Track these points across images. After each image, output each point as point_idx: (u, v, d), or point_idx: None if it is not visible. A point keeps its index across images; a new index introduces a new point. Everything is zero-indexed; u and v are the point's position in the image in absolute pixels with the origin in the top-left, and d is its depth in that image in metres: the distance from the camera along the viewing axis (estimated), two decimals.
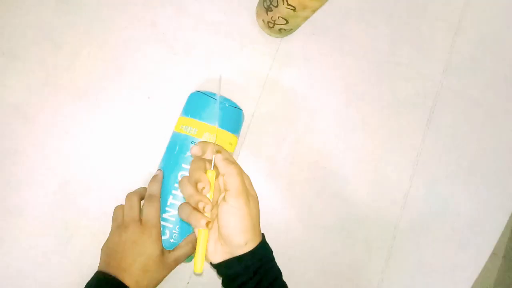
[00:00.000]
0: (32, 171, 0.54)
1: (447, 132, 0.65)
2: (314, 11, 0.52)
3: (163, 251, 0.45)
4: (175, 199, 0.47)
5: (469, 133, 0.65)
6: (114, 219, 0.48)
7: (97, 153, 0.55)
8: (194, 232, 0.45)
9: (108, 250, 0.45)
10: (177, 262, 0.46)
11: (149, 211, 0.45)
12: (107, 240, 0.46)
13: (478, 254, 0.63)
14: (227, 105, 0.52)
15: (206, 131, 0.49)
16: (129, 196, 0.48)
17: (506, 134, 0.66)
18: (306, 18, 0.55)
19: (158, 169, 0.50)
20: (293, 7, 0.50)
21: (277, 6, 0.52)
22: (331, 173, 0.61)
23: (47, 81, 0.56)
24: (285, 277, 0.43)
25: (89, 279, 0.44)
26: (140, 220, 0.45)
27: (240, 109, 0.54)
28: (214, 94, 0.52)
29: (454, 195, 0.64)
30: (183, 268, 0.54)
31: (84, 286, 0.43)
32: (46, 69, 0.56)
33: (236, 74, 0.60)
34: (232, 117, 0.53)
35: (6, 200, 0.53)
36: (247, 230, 0.37)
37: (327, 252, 0.59)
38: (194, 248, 0.46)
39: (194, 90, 0.54)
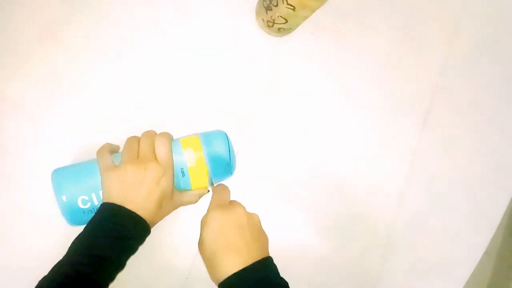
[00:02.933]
0: (34, 169, 0.54)
1: (443, 132, 0.66)
2: (313, 10, 0.52)
3: (173, 191, 0.45)
4: None
5: (465, 134, 0.66)
6: (128, 150, 0.44)
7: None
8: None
9: (121, 183, 0.41)
10: (181, 205, 0.47)
11: (165, 151, 0.43)
12: (117, 171, 0.42)
13: (472, 252, 0.64)
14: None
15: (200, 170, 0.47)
16: (148, 133, 0.46)
17: (501, 134, 0.67)
18: (305, 17, 0.55)
19: None
20: (293, 6, 0.50)
21: (276, 5, 0.52)
22: (328, 173, 0.61)
23: (50, 78, 0.56)
24: (282, 276, 0.43)
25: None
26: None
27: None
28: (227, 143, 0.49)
29: (449, 195, 0.65)
30: (182, 264, 0.54)
31: (90, 220, 0.41)
32: (49, 66, 0.56)
33: (234, 73, 0.61)
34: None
35: (8, 196, 0.53)
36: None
37: (324, 251, 0.60)
38: (198, 200, 0.48)
39: (223, 130, 0.51)
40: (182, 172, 0.45)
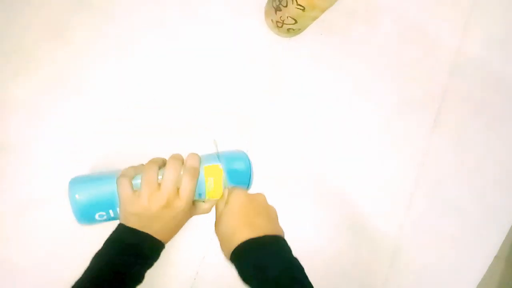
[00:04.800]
0: (40, 168, 0.54)
1: (453, 133, 0.65)
2: (323, 11, 0.52)
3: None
4: None
5: (475, 135, 0.65)
6: (147, 182, 0.42)
7: (106, 150, 0.56)
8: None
9: (139, 216, 0.41)
10: (196, 214, 0.47)
11: (190, 190, 0.42)
12: (136, 204, 0.41)
13: (482, 256, 0.64)
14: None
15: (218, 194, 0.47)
16: (175, 161, 0.43)
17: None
18: (314, 18, 0.55)
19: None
20: (303, 7, 0.50)
21: (286, 6, 0.52)
22: (337, 173, 0.61)
23: (55, 77, 0.56)
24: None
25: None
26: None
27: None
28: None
29: (459, 197, 0.64)
30: (190, 264, 0.54)
31: (108, 239, 0.41)
32: (54, 65, 0.56)
33: (243, 74, 0.61)
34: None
35: (17, 196, 0.53)
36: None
37: (332, 252, 0.59)
38: (210, 210, 0.48)
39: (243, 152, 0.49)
40: (200, 195, 0.46)
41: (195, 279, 0.55)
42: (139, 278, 0.41)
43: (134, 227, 0.41)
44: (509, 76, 0.68)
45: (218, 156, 0.46)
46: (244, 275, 0.39)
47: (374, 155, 0.62)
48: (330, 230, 0.60)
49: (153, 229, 0.41)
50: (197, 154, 0.45)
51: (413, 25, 0.66)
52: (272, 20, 0.59)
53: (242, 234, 0.40)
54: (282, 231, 0.44)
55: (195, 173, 0.43)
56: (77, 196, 0.43)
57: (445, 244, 0.63)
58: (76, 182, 0.44)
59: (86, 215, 0.43)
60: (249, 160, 0.48)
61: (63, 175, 0.54)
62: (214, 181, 0.45)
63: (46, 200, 0.53)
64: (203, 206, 0.46)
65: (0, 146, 0.54)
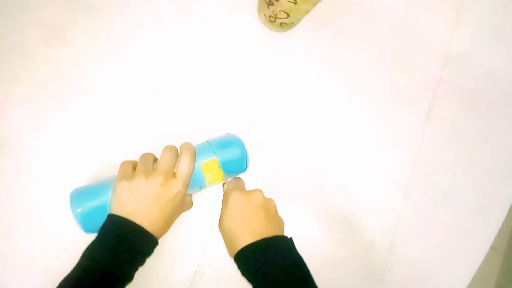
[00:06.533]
0: (43, 165, 0.54)
1: (447, 124, 0.66)
2: (315, 4, 0.53)
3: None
4: None
5: (469, 125, 0.66)
6: (143, 162, 0.43)
7: (107, 147, 0.56)
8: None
9: (133, 194, 0.40)
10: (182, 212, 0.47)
11: (186, 166, 0.42)
12: (131, 180, 0.41)
13: (479, 246, 0.64)
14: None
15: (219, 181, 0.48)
16: (171, 147, 0.44)
17: (505, 125, 0.67)
18: (307, 11, 0.56)
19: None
20: (294, 0, 0.51)
21: (278, 0, 0.53)
22: (333, 165, 0.61)
23: (55, 77, 0.56)
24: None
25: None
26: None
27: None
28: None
29: (454, 187, 0.64)
30: (192, 256, 0.55)
31: (98, 233, 0.40)
32: (54, 65, 0.57)
33: (238, 70, 0.61)
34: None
35: (21, 192, 0.54)
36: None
37: (330, 244, 0.60)
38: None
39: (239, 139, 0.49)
40: (200, 187, 0.47)
41: (196, 272, 0.55)
42: (129, 277, 0.40)
43: (124, 215, 0.39)
44: (500, 67, 0.68)
45: (211, 146, 0.47)
46: (247, 277, 0.41)
47: (368, 147, 0.63)
48: (327, 223, 0.60)
49: (145, 217, 0.40)
50: (190, 143, 0.46)
51: (405, 17, 0.67)
52: (265, 15, 0.59)
53: (243, 239, 0.41)
54: (282, 224, 0.46)
55: (192, 155, 0.44)
56: (79, 210, 0.42)
57: (442, 234, 0.63)
58: (77, 195, 0.44)
59: (91, 226, 0.42)
60: (243, 146, 0.48)
61: (63, 175, 0.55)
62: (213, 174, 0.46)
63: (45, 198, 0.53)
64: (186, 201, 0.47)
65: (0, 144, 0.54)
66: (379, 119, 0.64)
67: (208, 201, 0.54)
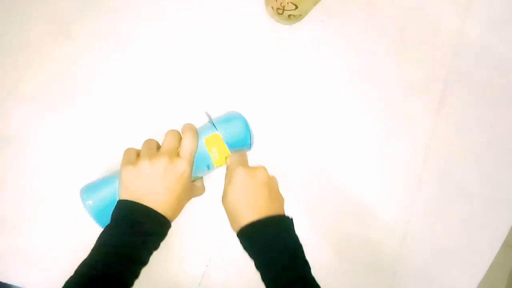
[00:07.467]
0: (49, 161, 0.55)
1: (459, 115, 0.65)
2: None
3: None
4: None
5: (481, 116, 0.65)
6: (147, 146, 0.43)
7: (111, 142, 0.56)
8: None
9: (139, 178, 0.40)
10: (193, 197, 0.47)
11: (192, 148, 0.43)
12: (137, 164, 0.41)
13: (492, 239, 0.63)
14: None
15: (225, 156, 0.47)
16: (171, 131, 0.45)
17: None
18: (315, 2, 0.55)
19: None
20: None
21: None
22: (344, 157, 0.61)
23: (61, 72, 0.56)
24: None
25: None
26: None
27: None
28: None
29: (467, 179, 0.63)
30: (203, 251, 0.54)
31: (111, 220, 0.40)
32: (60, 61, 0.57)
33: (245, 64, 0.61)
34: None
35: (28, 187, 0.54)
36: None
37: (342, 236, 0.59)
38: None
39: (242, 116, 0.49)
40: (208, 167, 0.46)
41: (207, 266, 0.55)
42: (144, 260, 0.40)
43: (132, 199, 0.39)
44: (511, 55, 0.67)
45: (213, 125, 0.46)
46: (249, 252, 0.42)
47: (380, 139, 0.62)
48: (339, 215, 0.60)
49: (155, 199, 0.40)
50: (191, 123, 0.46)
51: (414, 7, 0.66)
52: (272, 7, 0.59)
53: (247, 216, 0.42)
54: (283, 202, 0.46)
55: (193, 133, 0.44)
56: (90, 202, 0.43)
57: (455, 227, 0.62)
58: (86, 190, 0.45)
59: (104, 217, 0.42)
60: (245, 119, 0.48)
61: (69, 170, 0.55)
62: (217, 150, 0.46)
63: (51, 193, 0.54)
64: (198, 185, 0.47)
65: (6, 139, 0.54)
66: (390, 110, 0.63)
67: (218, 196, 0.53)
